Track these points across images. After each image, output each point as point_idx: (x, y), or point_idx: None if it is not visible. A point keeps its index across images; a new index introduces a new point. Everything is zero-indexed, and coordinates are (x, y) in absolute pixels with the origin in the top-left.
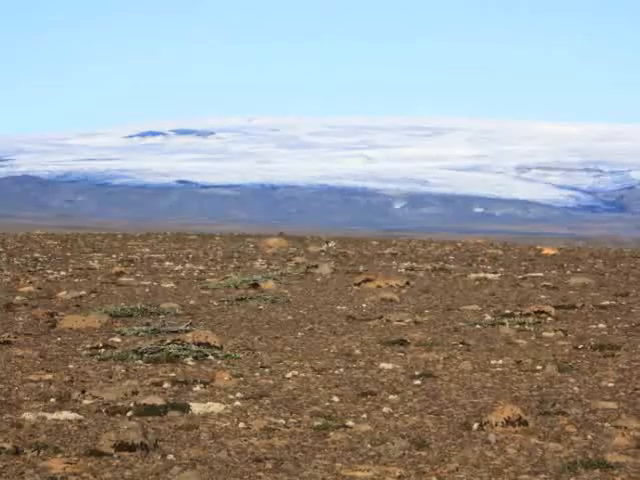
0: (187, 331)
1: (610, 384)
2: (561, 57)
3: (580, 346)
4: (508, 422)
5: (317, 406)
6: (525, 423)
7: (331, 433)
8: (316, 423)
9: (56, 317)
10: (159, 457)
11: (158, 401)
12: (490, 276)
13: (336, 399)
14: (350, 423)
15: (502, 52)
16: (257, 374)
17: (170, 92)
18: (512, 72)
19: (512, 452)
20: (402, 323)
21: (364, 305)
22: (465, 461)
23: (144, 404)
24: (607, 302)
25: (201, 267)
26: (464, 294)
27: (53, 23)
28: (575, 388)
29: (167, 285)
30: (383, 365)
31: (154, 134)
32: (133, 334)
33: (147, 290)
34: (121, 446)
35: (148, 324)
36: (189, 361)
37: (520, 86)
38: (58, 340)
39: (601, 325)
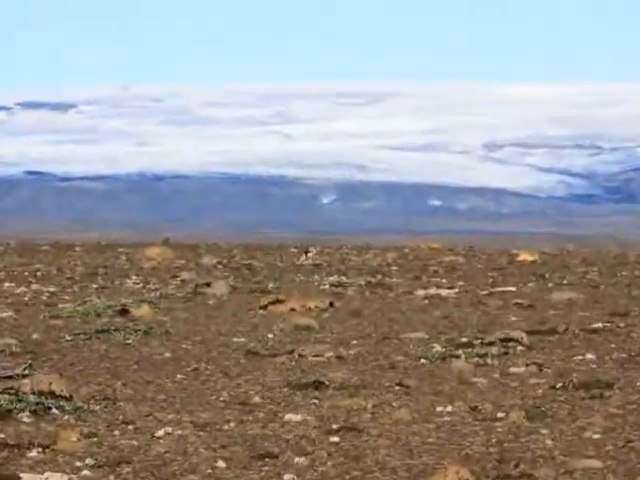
0: (25, 376)
1: (596, 435)
2: None
3: (559, 385)
4: None
5: (195, 475)
6: None
7: None
8: None
9: None
10: None
11: None
12: (444, 292)
13: (222, 464)
14: None
15: None
16: (116, 432)
17: (15, 54)
18: (470, 19)
19: None
20: (320, 359)
21: (270, 335)
22: None
23: None
24: (600, 324)
25: (52, 288)
26: (407, 318)
27: None
28: (548, 442)
29: (3, 314)
30: (290, 417)
31: None
32: None
33: None
34: None
35: None
36: (25, 417)
37: (480, 37)
38: None
39: (589, 356)
